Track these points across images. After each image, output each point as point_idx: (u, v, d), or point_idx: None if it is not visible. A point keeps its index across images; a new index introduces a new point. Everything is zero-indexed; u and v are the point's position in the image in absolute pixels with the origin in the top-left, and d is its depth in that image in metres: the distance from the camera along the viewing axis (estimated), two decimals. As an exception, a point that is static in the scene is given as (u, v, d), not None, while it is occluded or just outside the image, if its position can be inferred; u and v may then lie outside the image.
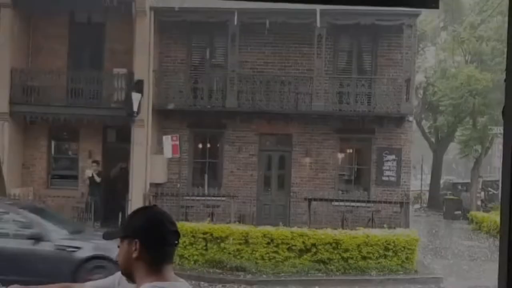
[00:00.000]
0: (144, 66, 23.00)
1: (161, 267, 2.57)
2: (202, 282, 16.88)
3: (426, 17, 39.16)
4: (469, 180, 37.34)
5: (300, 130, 24.66)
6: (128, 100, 22.56)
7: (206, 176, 25.00)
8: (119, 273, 3.57)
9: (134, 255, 2.58)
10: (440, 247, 24.24)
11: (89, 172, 23.28)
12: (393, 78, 24.25)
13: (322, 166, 24.68)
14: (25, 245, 13.61)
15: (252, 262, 17.53)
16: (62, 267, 13.25)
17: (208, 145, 25.55)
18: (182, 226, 18.37)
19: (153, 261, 2.57)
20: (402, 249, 17.79)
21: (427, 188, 46.66)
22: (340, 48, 25.41)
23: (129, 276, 2.67)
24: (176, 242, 2.64)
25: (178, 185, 23.03)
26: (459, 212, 34.59)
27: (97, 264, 13.43)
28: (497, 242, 20.27)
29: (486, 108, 31.70)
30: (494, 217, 26.80)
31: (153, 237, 2.59)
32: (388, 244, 17.73)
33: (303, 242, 17.62)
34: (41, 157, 24.88)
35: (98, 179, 23.02)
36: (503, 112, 2.00)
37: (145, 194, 23.03)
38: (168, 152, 21.78)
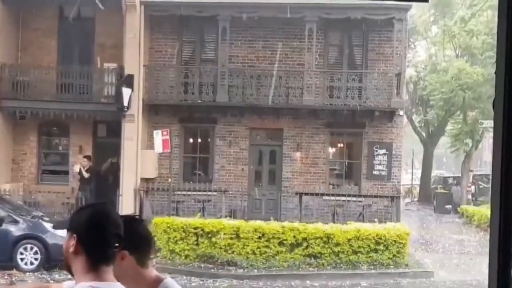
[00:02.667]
0: (134, 60, 22.91)
1: (98, 267, 2.49)
2: (193, 277, 16.89)
3: (417, 11, 39.21)
4: (459, 174, 37.43)
5: (291, 124, 24.65)
6: (119, 95, 22.50)
7: (197, 171, 25.01)
8: None
9: (71, 249, 2.52)
10: (431, 241, 24.33)
11: (77, 167, 23.20)
12: (383, 72, 24.27)
13: (313, 161, 24.68)
14: None
15: (243, 257, 17.55)
16: None
17: (199, 140, 25.52)
18: (173, 221, 18.39)
19: (89, 259, 2.50)
20: (393, 243, 17.84)
21: (418, 182, 46.79)
22: (331, 42, 25.41)
23: (68, 270, 2.61)
24: (117, 245, 2.53)
25: (169, 180, 22.98)
26: (450, 206, 34.71)
27: None
28: (487, 236, 20.33)
29: (476, 102, 31.76)
30: (485, 211, 26.89)
31: (91, 236, 2.51)
32: (379, 238, 17.79)
33: (294, 237, 17.66)
34: (31, 153, 24.77)
35: (86, 175, 22.91)
36: (493, 104, 1.99)
37: (136, 189, 22.99)
38: (158, 147, 21.73)
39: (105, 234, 2.51)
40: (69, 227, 2.59)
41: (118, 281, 2.62)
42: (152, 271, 3.00)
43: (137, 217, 3.02)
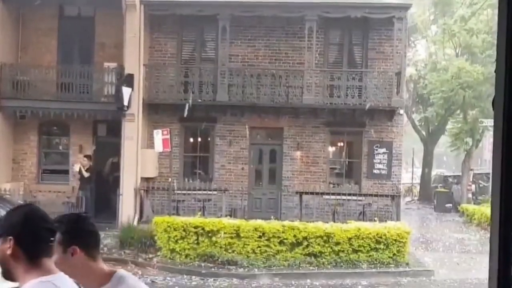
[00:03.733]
0: (134, 60, 22.90)
1: (40, 262, 2.65)
2: (194, 276, 16.89)
3: (417, 10, 39.21)
4: (460, 173, 37.44)
5: (291, 123, 24.64)
6: (119, 94, 22.49)
7: (197, 170, 25.01)
8: None
9: (9, 252, 2.65)
10: (431, 239, 24.33)
11: (77, 167, 23.22)
12: (383, 71, 24.26)
13: (313, 160, 24.68)
14: None
15: (244, 256, 17.55)
16: None
17: (199, 139, 25.51)
18: (174, 220, 18.38)
19: (29, 257, 2.65)
20: (393, 242, 17.84)
21: (418, 181, 46.81)
22: (331, 41, 25.39)
23: (8, 274, 2.73)
24: (52, 239, 2.70)
25: (169, 179, 22.97)
26: (450, 204, 34.70)
27: None
28: (488, 235, 20.34)
29: (476, 101, 31.78)
30: (485, 209, 26.89)
31: (25, 234, 2.65)
32: (380, 237, 17.78)
33: (295, 236, 17.65)
34: (31, 152, 24.77)
35: (86, 174, 22.93)
36: (493, 103, 1.98)
37: (136, 188, 22.99)
38: (158, 146, 21.71)
39: (39, 230, 2.68)
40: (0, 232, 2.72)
41: (71, 275, 2.82)
42: (103, 264, 3.14)
43: (83, 214, 3.24)
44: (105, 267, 3.11)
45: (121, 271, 3.12)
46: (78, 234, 2.98)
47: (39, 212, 2.76)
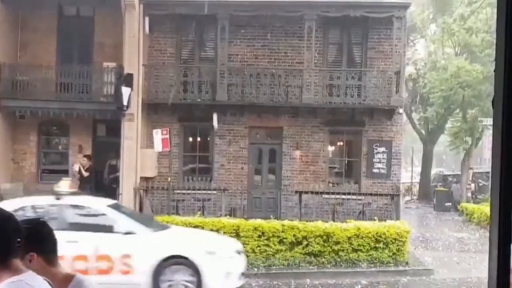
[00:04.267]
0: (133, 60, 22.88)
1: (10, 262, 2.64)
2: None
3: (416, 9, 39.19)
4: (459, 172, 37.44)
5: (291, 123, 24.65)
6: (118, 94, 22.47)
7: (196, 170, 25.01)
8: None
9: None
10: (431, 238, 24.32)
11: (76, 167, 23.22)
12: (383, 70, 24.26)
13: (312, 159, 24.68)
14: None
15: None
16: None
17: (199, 139, 25.52)
18: (173, 220, 18.36)
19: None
20: (393, 241, 17.83)
21: (418, 180, 46.80)
22: (330, 40, 25.39)
23: None
24: (19, 239, 2.68)
25: (169, 179, 22.97)
26: (450, 203, 34.70)
27: None
28: (487, 234, 20.32)
29: (476, 100, 31.76)
30: (485, 208, 26.89)
31: None
32: (379, 236, 17.76)
33: (294, 235, 17.63)
34: (31, 152, 24.78)
35: (85, 174, 22.94)
36: (492, 102, 1.99)
37: (136, 188, 22.98)
38: (158, 146, 21.69)
39: (6, 230, 2.65)
40: None
41: None
42: (62, 269, 3.15)
43: (40, 220, 3.20)
44: (64, 271, 3.13)
45: (79, 275, 3.13)
46: (35, 240, 2.99)
47: (5, 212, 2.73)
